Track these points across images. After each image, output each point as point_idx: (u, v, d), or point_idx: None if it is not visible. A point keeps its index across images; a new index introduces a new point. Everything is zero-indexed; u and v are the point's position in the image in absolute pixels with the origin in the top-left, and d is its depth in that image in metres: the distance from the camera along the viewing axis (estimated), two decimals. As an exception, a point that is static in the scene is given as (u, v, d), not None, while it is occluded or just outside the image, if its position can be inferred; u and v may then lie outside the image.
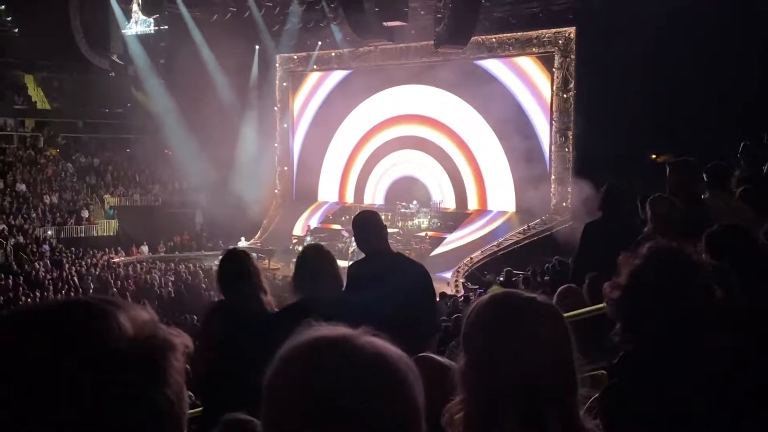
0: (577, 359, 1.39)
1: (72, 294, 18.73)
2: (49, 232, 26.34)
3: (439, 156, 26.82)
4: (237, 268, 3.46)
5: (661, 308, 1.64)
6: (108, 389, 0.81)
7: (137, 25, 26.17)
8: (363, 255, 3.85)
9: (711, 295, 1.63)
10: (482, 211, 25.79)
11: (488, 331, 1.37)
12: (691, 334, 1.61)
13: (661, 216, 4.37)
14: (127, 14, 25.70)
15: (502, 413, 1.33)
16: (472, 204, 26.38)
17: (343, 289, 3.65)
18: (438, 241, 24.53)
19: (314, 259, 3.48)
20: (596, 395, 1.80)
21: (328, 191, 30.49)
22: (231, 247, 4.17)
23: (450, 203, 27.01)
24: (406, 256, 4.10)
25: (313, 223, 28.69)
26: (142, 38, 26.90)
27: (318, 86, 29.88)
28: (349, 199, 30.06)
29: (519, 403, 1.32)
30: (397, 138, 28.01)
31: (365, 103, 28.41)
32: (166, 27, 26.28)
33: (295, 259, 3.57)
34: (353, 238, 4.33)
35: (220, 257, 3.63)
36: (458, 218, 25.70)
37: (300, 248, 25.69)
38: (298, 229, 28.58)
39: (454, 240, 24.51)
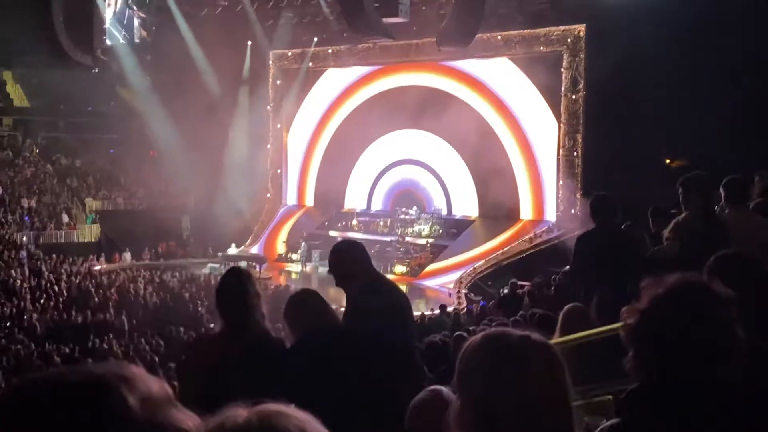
0: (573, 393, 1.43)
1: (51, 303, 18.69)
2: (25, 238, 26.28)
3: (470, 151, 24.68)
4: (240, 290, 3.42)
5: (678, 341, 1.66)
6: None
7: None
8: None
9: (734, 334, 1.66)
10: (537, 221, 24.08)
11: (482, 373, 1.41)
12: (707, 373, 1.64)
13: (682, 228, 4.44)
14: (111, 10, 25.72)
15: None
16: (526, 213, 24.52)
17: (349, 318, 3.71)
18: (440, 249, 24.52)
19: (307, 304, 3.52)
20: (603, 426, 1.82)
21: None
22: (232, 265, 4.24)
23: (469, 209, 25.82)
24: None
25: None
26: (128, 31, 26.93)
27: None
28: (309, 200, 29.84)
29: None
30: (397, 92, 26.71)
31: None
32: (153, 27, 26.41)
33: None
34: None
35: (221, 278, 3.61)
36: (463, 226, 25.51)
37: (293, 256, 25.75)
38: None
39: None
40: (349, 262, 3.73)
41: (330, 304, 3.60)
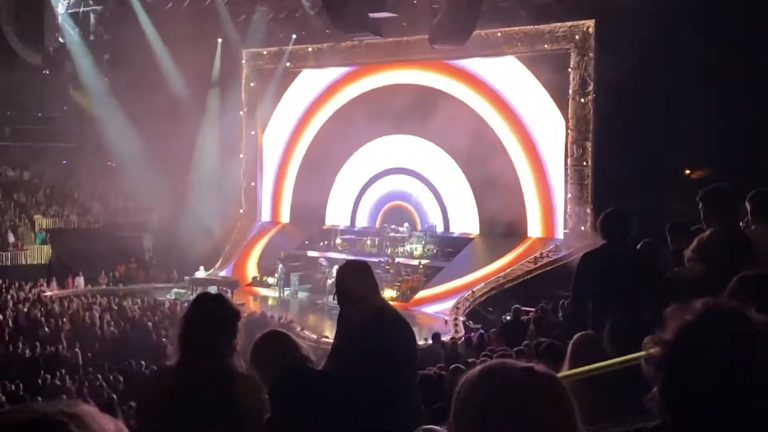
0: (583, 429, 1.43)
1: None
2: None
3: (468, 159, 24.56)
4: (211, 320, 3.37)
5: (713, 376, 1.63)
6: None
7: None
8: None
9: None
10: (547, 239, 23.73)
11: (481, 411, 1.41)
12: (743, 411, 1.62)
13: (706, 248, 4.48)
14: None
15: None
16: (534, 230, 24.17)
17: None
18: (435, 271, 24.46)
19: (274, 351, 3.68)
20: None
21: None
22: (202, 291, 4.31)
23: (469, 226, 25.64)
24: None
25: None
26: (83, 28, 26.90)
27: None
28: (284, 216, 29.79)
29: None
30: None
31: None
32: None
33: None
34: (333, 269, 4.56)
35: (190, 303, 3.56)
36: (461, 245, 25.39)
37: (269, 280, 25.54)
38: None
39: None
40: (352, 286, 3.90)
41: (299, 345, 3.66)
